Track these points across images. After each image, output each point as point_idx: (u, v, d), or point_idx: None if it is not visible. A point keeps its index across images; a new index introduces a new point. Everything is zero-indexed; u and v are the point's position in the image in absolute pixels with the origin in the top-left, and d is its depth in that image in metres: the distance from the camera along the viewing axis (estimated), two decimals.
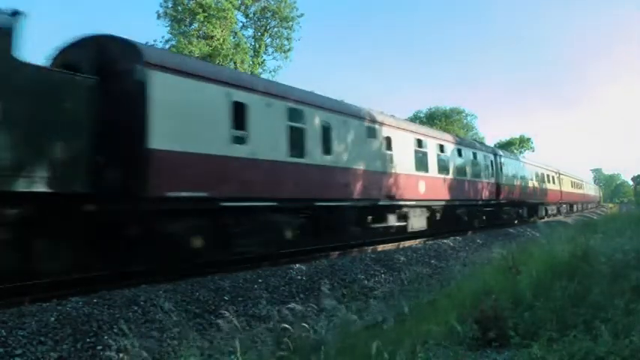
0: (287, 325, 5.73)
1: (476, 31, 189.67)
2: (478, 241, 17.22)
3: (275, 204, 10.54)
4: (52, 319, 5.76)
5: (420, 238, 16.66)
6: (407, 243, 15.33)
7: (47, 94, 7.24)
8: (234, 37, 31.92)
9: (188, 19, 30.03)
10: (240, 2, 32.66)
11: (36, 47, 25.98)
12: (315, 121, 12.05)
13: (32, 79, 7.17)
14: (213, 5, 29.32)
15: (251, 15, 34.42)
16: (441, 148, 18.18)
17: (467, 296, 6.74)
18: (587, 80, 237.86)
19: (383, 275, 10.49)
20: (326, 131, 12.34)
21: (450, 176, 18.44)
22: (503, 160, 24.36)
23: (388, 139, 14.71)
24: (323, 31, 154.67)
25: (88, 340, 5.59)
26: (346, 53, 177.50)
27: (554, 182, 36.48)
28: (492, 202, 22.72)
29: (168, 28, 30.85)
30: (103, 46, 8.61)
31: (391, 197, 14.52)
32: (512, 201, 25.38)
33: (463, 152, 20.05)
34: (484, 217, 22.18)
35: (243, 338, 5.88)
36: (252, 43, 34.29)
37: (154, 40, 29.99)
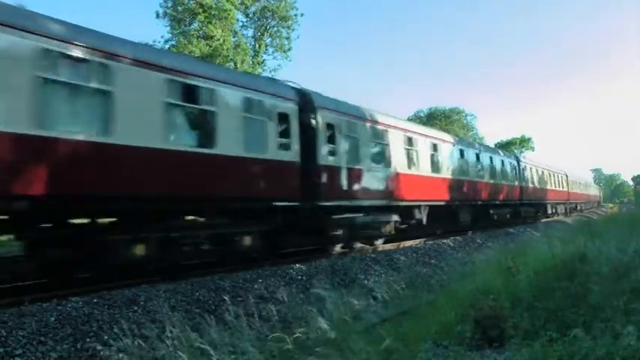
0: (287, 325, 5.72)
1: (475, 29, 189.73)
2: (478, 241, 17.22)
3: None
4: (52, 319, 5.76)
5: (421, 237, 16.70)
6: (407, 243, 15.33)
7: None
8: (234, 37, 31.89)
9: (188, 19, 30.01)
10: (240, 2, 32.63)
11: None
12: None
13: None
14: (213, 5, 29.30)
15: (251, 15, 34.42)
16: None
17: (467, 296, 6.75)
18: (588, 79, 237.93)
19: (383, 275, 10.49)
20: None
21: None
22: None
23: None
24: (322, 31, 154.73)
25: (88, 340, 5.59)
26: (346, 53, 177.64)
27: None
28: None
29: (168, 27, 30.87)
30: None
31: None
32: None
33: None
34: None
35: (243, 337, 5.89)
36: (252, 43, 34.28)
37: (154, 41, 30.01)
